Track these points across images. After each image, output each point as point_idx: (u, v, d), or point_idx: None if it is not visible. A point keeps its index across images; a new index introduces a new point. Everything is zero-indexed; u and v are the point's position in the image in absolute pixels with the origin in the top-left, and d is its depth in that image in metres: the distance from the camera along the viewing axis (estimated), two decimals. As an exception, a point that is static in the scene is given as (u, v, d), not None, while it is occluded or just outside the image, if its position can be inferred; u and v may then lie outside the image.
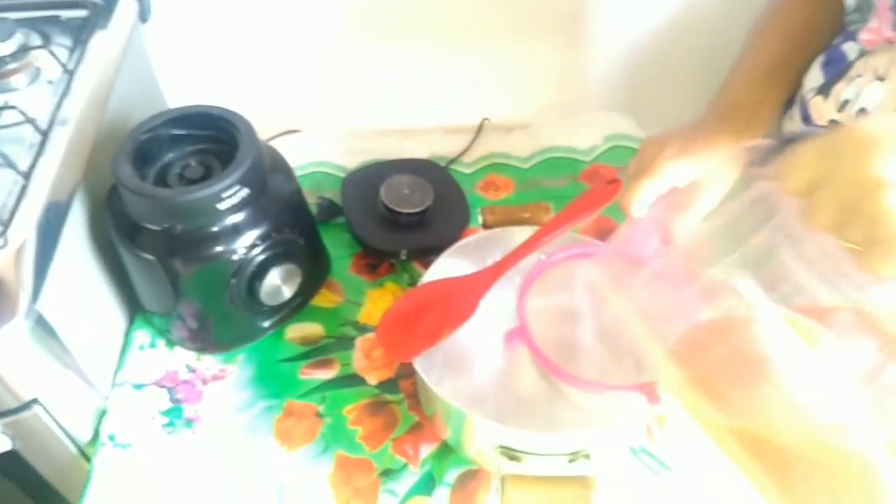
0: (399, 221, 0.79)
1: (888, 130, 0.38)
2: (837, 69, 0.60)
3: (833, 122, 0.60)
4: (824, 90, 0.61)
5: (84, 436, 0.67)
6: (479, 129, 0.94)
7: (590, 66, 0.95)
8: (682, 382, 0.45)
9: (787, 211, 0.42)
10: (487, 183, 0.88)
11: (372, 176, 0.83)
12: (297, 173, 0.74)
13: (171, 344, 0.73)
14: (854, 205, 0.38)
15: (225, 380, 0.70)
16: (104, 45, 0.73)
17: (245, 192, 0.62)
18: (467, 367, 0.70)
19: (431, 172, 0.85)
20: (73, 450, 0.67)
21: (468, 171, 0.90)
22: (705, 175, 0.58)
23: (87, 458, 0.66)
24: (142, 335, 0.73)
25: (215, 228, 0.63)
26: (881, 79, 0.56)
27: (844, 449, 0.39)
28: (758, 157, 0.47)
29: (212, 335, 0.71)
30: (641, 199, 0.57)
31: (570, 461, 0.57)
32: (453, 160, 0.90)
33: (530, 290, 0.61)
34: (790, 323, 0.42)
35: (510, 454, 0.58)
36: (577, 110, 0.95)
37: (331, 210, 0.83)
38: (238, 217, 0.63)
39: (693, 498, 0.62)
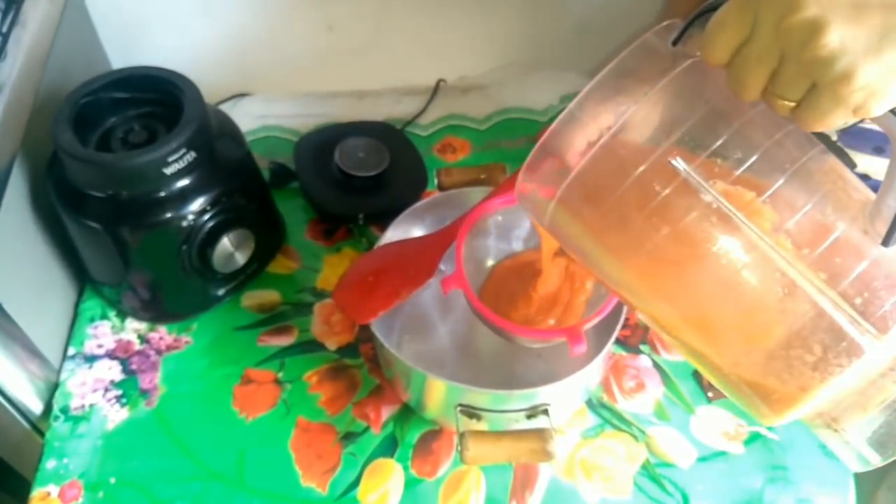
0: (355, 185, 0.78)
1: None
2: None
3: None
4: None
5: (36, 410, 0.65)
6: (435, 91, 0.93)
7: (544, 25, 0.94)
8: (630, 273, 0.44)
9: (715, 85, 0.39)
10: (444, 145, 0.88)
11: (326, 139, 0.81)
12: (248, 138, 0.72)
13: (122, 315, 0.71)
14: (790, 55, 0.34)
15: (180, 349, 0.69)
16: (40, 5, 0.69)
17: (192, 155, 0.61)
18: (426, 329, 0.70)
19: (387, 135, 0.84)
20: (26, 425, 0.65)
21: (424, 133, 0.89)
22: None
23: (41, 433, 0.65)
24: (92, 306, 0.71)
25: (163, 194, 0.61)
26: None
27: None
28: (678, 36, 0.42)
29: (164, 304, 0.70)
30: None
31: (529, 417, 0.58)
32: (409, 122, 0.89)
33: (467, 235, 0.60)
34: (728, 196, 0.40)
35: (470, 413, 0.58)
36: (532, 70, 0.95)
37: (284, 175, 0.81)
38: (186, 182, 0.61)
39: (649, 451, 0.64)
